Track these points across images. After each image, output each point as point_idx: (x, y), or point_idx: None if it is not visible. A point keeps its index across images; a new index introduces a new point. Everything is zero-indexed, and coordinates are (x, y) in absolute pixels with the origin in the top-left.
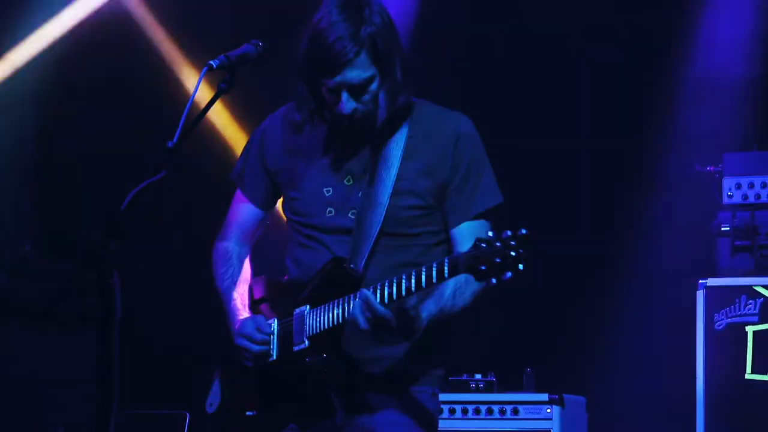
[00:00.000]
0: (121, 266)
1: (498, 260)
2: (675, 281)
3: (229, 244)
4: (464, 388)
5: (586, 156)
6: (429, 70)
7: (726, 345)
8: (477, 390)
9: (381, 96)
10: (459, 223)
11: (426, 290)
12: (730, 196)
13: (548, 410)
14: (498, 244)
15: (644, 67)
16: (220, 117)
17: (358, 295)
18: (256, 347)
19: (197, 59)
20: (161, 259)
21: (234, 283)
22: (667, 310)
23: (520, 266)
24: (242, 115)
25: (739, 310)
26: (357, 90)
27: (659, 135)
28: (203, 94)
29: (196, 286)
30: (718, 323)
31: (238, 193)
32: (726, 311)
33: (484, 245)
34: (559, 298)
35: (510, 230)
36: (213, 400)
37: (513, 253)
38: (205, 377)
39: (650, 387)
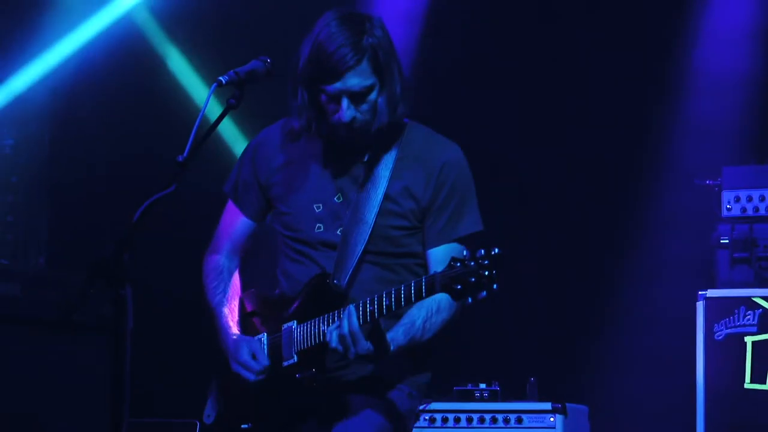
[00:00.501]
0: (133, 276)
1: (473, 279)
2: (675, 292)
3: (221, 257)
4: (469, 397)
5: (589, 167)
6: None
7: (725, 355)
8: (481, 399)
9: (380, 106)
10: (435, 246)
11: (402, 310)
12: (729, 209)
13: (551, 419)
14: (472, 263)
15: (645, 80)
16: (229, 132)
17: (344, 313)
18: (252, 377)
19: (207, 75)
20: (172, 270)
21: (225, 298)
22: (668, 320)
23: (494, 286)
24: (251, 130)
25: (738, 320)
26: (357, 98)
27: (659, 148)
28: (213, 109)
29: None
30: (717, 333)
31: (230, 205)
32: (725, 322)
33: (458, 265)
34: (562, 309)
35: (483, 249)
36: (210, 411)
37: (486, 273)
38: (204, 388)
39: (651, 395)
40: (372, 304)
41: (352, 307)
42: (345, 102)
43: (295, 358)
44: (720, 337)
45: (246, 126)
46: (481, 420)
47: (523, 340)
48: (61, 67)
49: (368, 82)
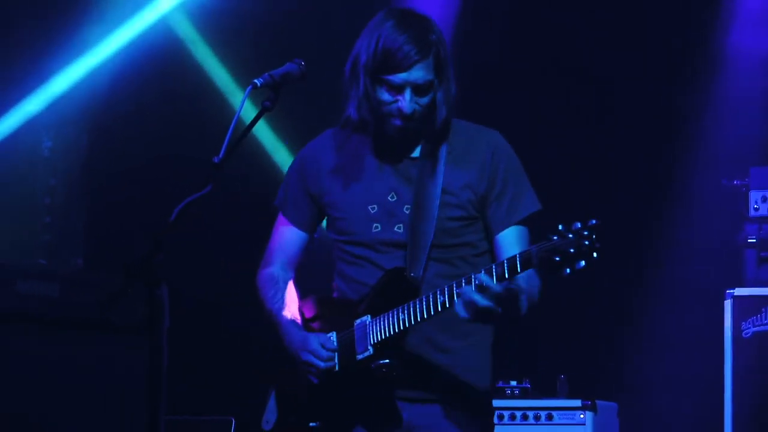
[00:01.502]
0: (168, 277)
1: (572, 250)
2: (703, 291)
3: (274, 269)
4: (500, 394)
5: (619, 171)
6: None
7: (753, 352)
8: (512, 396)
9: (439, 102)
10: (502, 230)
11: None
12: (756, 209)
13: (581, 416)
14: (570, 235)
15: (672, 82)
16: (264, 134)
17: (474, 278)
18: (322, 363)
19: (242, 78)
20: (206, 270)
21: (284, 303)
22: (696, 318)
23: (595, 255)
24: (285, 131)
25: (766, 318)
26: (418, 91)
27: (687, 150)
28: (248, 111)
29: (240, 294)
30: (745, 331)
31: (281, 218)
32: (753, 320)
33: (555, 237)
34: (591, 307)
35: (579, 222)
36: (269, 417)
37: (587, 242)
38: (258, 392)
39: (679, 392)
40: (469, 282)
41: (481, 272)
42: (408, 93)
43: (371, 350)
44: (747, 335)
45: (281, 128)
46: (512, 417)
47: (553, 338)
48: (98, 71)
49: (430, 76)
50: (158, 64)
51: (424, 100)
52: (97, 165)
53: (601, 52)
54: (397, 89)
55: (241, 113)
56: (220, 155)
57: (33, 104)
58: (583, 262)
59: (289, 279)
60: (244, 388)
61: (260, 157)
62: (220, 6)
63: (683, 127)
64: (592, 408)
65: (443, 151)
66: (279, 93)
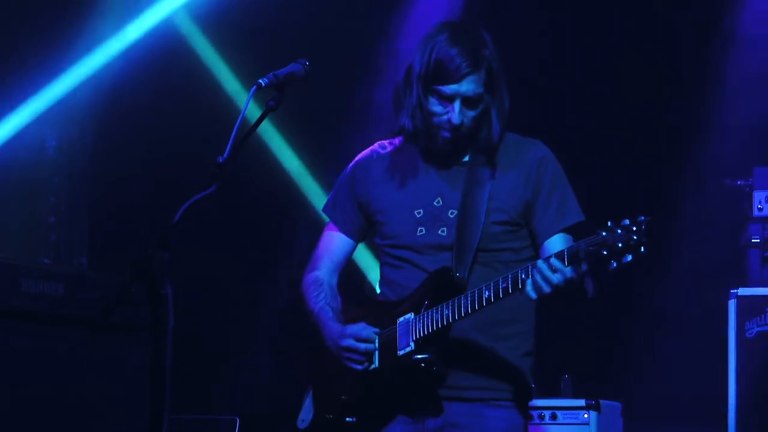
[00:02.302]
0: (174, 276)
1: (620, 245)
2: (707, 291)
3: (319, 273)
4: None
5: (623, 169)
6: None
7: (756, 352)
8: None
9: (493, 117)
10: (549, 236)
11: None
12: (760, 209)
13: (585, 415)
14: (619, 230)
15: (677, 82)
16: (269, 133)
17: (546, 261)
18: (362, 345)
19: (246, 78)
20: (208, 267)
21: (327, 303)
22: (700, 318)
23: (643, 249)
24: (290, 131)
25: None
26: (468, 103)
27: (691, 149)
28: (253, 111)
29: (244, 291)
30: (748, 331)
31: (330, 225)
32: (756, 320)
33: (604, 233)
34: (595, 308)
35: (628, 218)
36: (305, 416)
37: (635, 237)
38: (298, 394)
39: (684, 391)
40: (506, 281)
41: (551, 257)
42: (458, 104)
43: (412, 345)
44: (751, 335)
45: (285, 128)
46: None
47: (557, 339)
48: (103, 70)
49: (480, 90)
50: (163, 64)
51: (472, 113)
52: (101, 165)
53: (605, 47)
54: (448, 100)
55: (246, 113)
56: (225, 155)
57: (38, 104)
58: (630, 256)
59: (334, 283)
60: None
61: (265, 156)
62: (225, 6)
63: (687, 127)
64: (596, 407)
65: (491, 160)
66: (283, 93)
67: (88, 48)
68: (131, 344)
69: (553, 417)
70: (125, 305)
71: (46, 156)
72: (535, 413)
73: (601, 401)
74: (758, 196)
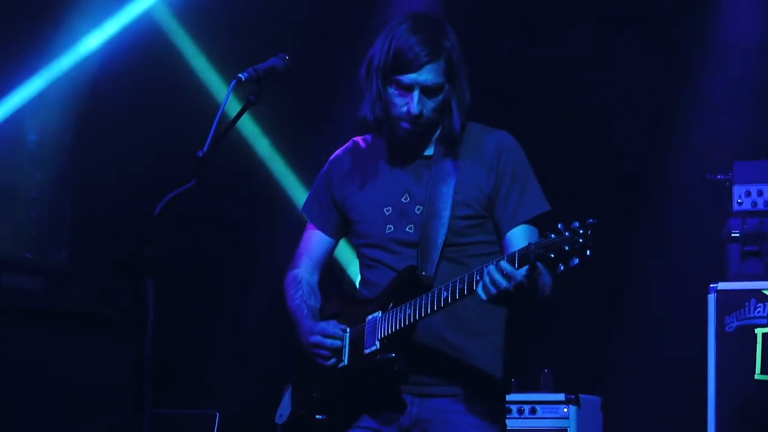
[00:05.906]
0: (155, 270)
1: (567, 248)
2: (687, 285)
3: (299, 271)
4: None
5: (601, 163)
6: None
7: (736, 346)
8: None
9: (454, 108)
10: (510, 229)
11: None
12: (740, 204)
13: (565, 410)
14: (566, 233)
15: (658, 77)
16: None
17: (496, 263)
18: (329, 341)
19: (226, 72)
20: (187, 262)
21: (303, 301)
22: (680, 312)
23: (588, 252)
24: (270, 126)
25: (749, 312)
26: (428, 93)
27: (671, 144)
28: (232, 105)
29: (225, 288)
30: (728, 325)
31: (309, 224)
32: (736, 314)
33: (552, 235)
34: (575, 302)
35: (577, 221)
36: (283, 411)
37: (581, 240)
38: (279, 389)
39: (663, 387)
40: (462, 282)
41: (504, 259)
42: (416, 94)
43: (377, 344)
44: (731, 329)
45: (265, 122)
46: None
47: (537, 332)
48: (83, 64)
49: (440, 80)
50: (143, 59)
51: (432, 104)
52: (82, 159)
53: (586, 46)
54: (407, 89)
55: (226, 107)
56: (204, 149)
57: (17, 98)
58: (576, 260)
59: (315, 282)
60: (230, 382)
61: (249, 156)
62: (204, 0)
63: (667, 122)
64: (576, 402)
65: (455, 151)
66: (263, 87)
67: (68, 42)
68: (114, 338)
69: (533, 411)
70: (107, 300)
71: (26, 150)
72: (514, 407)
73: (581, 395)
74: (738, 190)
